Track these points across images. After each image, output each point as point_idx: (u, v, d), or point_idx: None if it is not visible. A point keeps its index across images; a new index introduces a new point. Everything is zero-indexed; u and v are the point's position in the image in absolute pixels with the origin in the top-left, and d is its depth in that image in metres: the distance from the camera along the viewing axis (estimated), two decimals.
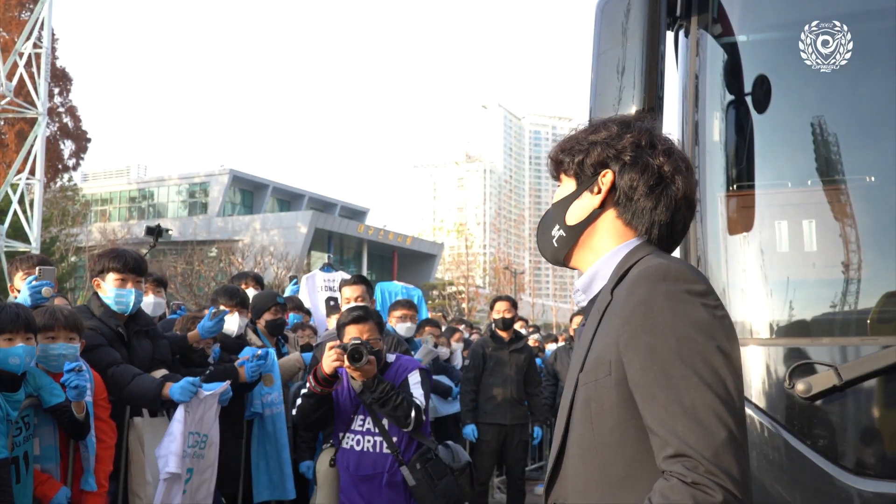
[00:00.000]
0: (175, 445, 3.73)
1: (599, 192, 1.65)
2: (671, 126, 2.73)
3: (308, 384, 3.71)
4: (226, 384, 4.05)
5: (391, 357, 4.02)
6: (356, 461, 3.79)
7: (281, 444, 4.85)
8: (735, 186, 2.84)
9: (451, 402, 7.11)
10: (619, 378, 1.45)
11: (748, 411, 2.51)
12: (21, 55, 18.92)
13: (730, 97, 2.88)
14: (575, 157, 1.69)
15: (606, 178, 1.64)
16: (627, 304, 1.47)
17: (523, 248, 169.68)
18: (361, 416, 3.85)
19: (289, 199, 54.41)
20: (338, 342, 3.75)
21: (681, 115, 2.88)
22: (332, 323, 5.91)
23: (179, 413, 3.78)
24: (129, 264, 4.05)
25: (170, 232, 11.72)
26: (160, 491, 3.71)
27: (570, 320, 8.75)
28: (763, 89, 2.82)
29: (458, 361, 7.81)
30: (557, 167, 1.76)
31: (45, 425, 3.47)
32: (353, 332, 3.81)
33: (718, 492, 1.28)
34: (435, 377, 6.66)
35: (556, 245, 1.72)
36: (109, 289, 4.03)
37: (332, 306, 6.28)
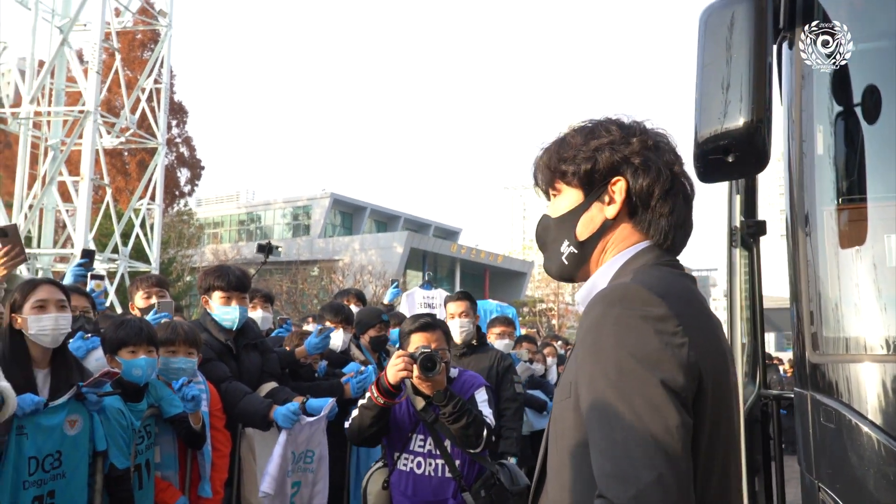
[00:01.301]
0: (272, 467, 3.79)
1: (612, 202, 1.53)
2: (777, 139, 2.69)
3: (369, 394, 3.37)
4: (331, 402, 4.13)
5: (454, 371, 3.68)
6: (415, 485, 3.43)
7: None
8: (845, 199, 2.78)
9: (545, 417, 7.12)
10: (576, 401, 1.39)
11: (865, 429, 2.44)
12: (143, 90, 20.06)
13: (838, 108, 2.83)
14: (581, 166, 1.54)
15: (619, 186, 1.52)
16: (582, 326, 1.39)
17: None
18: (421, 436, 3.49)
19: (385, 221, 55.44)
20: (404, 351, 3.42)
21: (786, 128, 2.84)
22: None
23: (282, 437, 3.85)
24: (233, 283, 4.22)
25: (279, 248, 11.99)
26: None
27: None
28: (872, 99, 2.76)
29: (552, 376, 7.90)
30: (554, 176, 1.61)
31: (165, 434, 3.66)
32: (419, 341, 3.50)
33: None
34: (530, 391, 6.69)
35: (565, 262, 1.59)
36: (216, 306, 4.21)
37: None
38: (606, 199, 1.54)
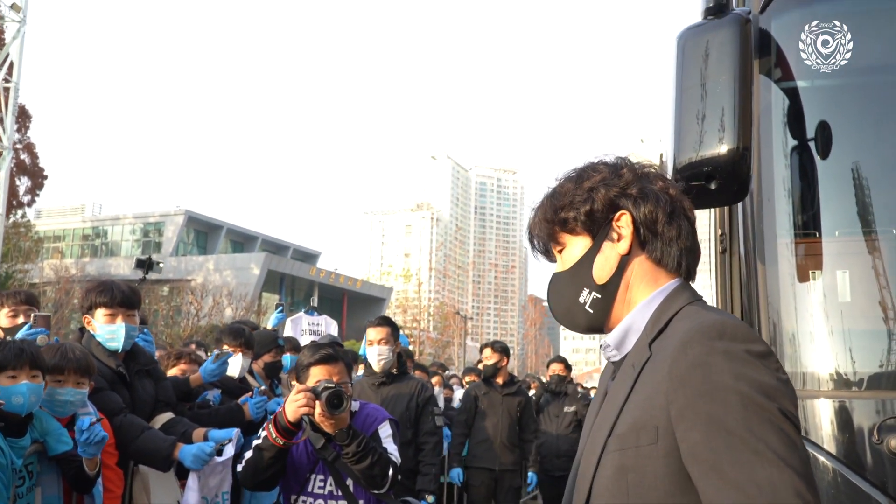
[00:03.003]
0: (191, 480, 3.48)
1: (620, 237, 1.49)
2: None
3: (265, 434, 3.09)
4: (236, 433, 3.77)
5: (354, 405, 3.41)
6: None
7: None
8: (801, 233, 2.76)
9: None
10: (668, 448, 1.28)
11: (830, 465, 2.42)
12: None
13: (793, 142, 2.81)
14: (581, 209, 1.50)
15: (624, 220, 1.49)
16: (679, 365, 1.29)
17: (467, 294, 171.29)
18: (321, 476, 3.23)
19: (242, 241, 54.69)
20: (305, 385, 3.18)
21: (754, 160, 2.78)
22: None
23: (192, 481, 3.51)
24: (118, 298, 3.77)
25: (160, 265, 11.27)
26: None
27: (548, 367, 8.79)
28: (825, 135, 2.76)
29: (440, 404, 7.76)
30: (554, 228, 1.56)
31: (49, 473, 3.19)
32: (319, 374, 3.24)
33: None
34: None
35: (590, 311, 1.51)
36: (99, 325, 3.76)
37: None
38: (615, 235, 1.50)
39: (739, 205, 2.86)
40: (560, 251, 1.57)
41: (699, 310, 1.40)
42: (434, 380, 8.15)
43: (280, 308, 7.11)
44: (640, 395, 1.35)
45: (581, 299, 1.51)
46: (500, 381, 7.00)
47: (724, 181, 2.44)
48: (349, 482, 3.19)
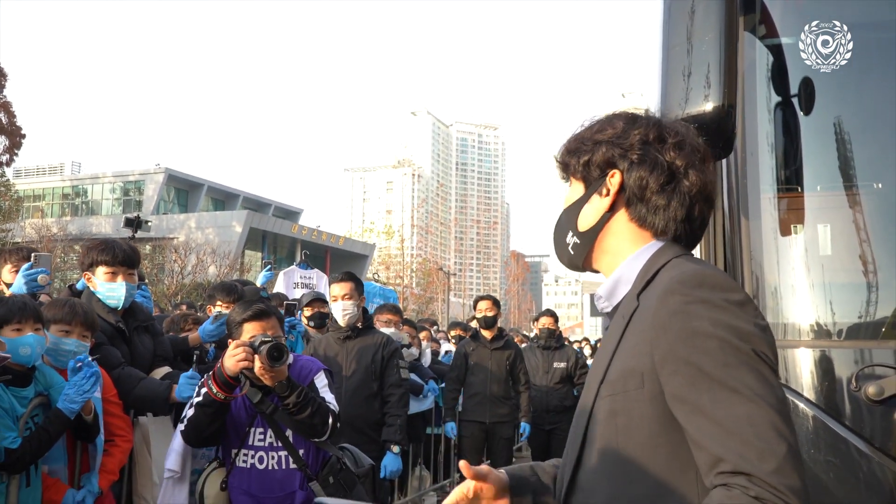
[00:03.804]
0: (176, 442, 3.49)
1: (608, 193, 1.56)
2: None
3: (205, 390, 3.14)
4: None
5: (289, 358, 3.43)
6: (260, 482, 3.24)
7: None
8: (783, 188, 2.84)
9: (420, 400, 7.15)
10: (653, 392, 1.36)
11: (809, 412, 2.53)
12: None
13: (777, 98, 2.88)
14: (580, 158, 1.59)
15: (615, 179, 1.55)
16: (661, 313, 1.37)
17: (449, 250, 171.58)
18: (261, 429, 3.29)
19: (223, 199, 54.25)
20: (242, 340, 3.22)
21: (738, 116, 2.84)
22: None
23: (177, 444, 3.50)
24: (119, 256, 3.86)
25: (149, 223, 11.19)
26: (163, 489, 3.49)
27: (536, 320, 8.75)
28: (808, 92, 2.82)
29: (426, 360, 7.95)
30: (565, 170, 1.67)
31: None
32: (253, 330, 3.27)
33: None
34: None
35: (572, 252, 1.63)
36: (100, 283, 3.85)
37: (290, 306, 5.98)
38: (604, 191, 1.57)
39: (724, 161, 2.92)
40: (570, 187, 1.67)
41: (684, 261, 1.46)
42: (422, 334, 8.23)
43: (269, 266, 7.16)
44: (628, 343, 1.43)
45: (567, 240, 1.64)
46: (488, 336, 7.10)
47: (710, 138, 2.49)
48: (288, 433, 3.27)
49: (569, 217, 1.63)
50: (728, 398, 1.26)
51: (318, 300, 6.10)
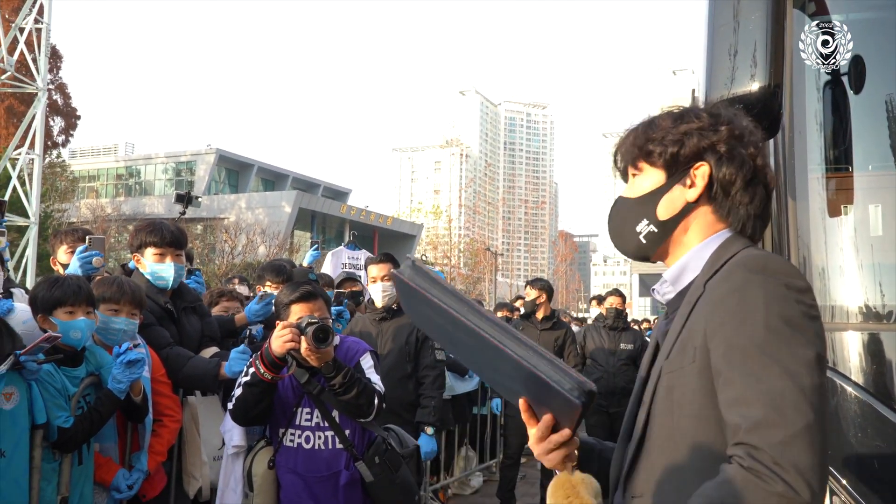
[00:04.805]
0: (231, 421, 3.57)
1: (693, 185, 1.56)
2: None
3: (252, 370, 3.18)
4: None
5: (335, 339, 3.39)
6: (306, 461, 3.28)
7: None
8: (832, 168, 2.77)
9: (466, 381, 7.16)
10: (702, 365, 1.39)
11: (856, 394, 2.48)
12: (21, 30, 18.48)
13: (825, 77, 2.80)
14: (668, 148, 1.58)
15: (702, 171, 1.55)
16: (719, 290, 1.41)
17: (497, 230, 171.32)
18: (307, 409, 3.32)
19: (273, 179, 54.79)
20: (289, 321, 3.25)
21: (786, 95, 2.78)
22: None
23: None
24: (167, 238, 3.93)
25: (199, 199, 11.33)
26: (224, 464, 3.59)
27: (603, 300, 8.41)
28: (857, 70, 2.74)
29: None
30: (640, 156, 1.64)
31: None
32: (300, 312, 3.30)
33: (777, 482, 1.19)
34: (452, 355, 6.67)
35: (643, 241, 1.62)
36: (149, 264, 3.91)
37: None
38: (688, 182, 1.57)
39: (771, 141, 2.87)
40: (635, 176, 1.66)
41: (751, 250, 1.48)
42: None
43: (315, 246, 7.20)
44: (691, 325, 1.45)
45: (638, 228, 1.61)
46: (539, 316, 7.09)
47: (756, 118, 2.45)
48: (335, 413, 3.30)
49: (644, 205, 1.62)
50: (757, 373, 1.28)
51: (350, 279, 6.12)
